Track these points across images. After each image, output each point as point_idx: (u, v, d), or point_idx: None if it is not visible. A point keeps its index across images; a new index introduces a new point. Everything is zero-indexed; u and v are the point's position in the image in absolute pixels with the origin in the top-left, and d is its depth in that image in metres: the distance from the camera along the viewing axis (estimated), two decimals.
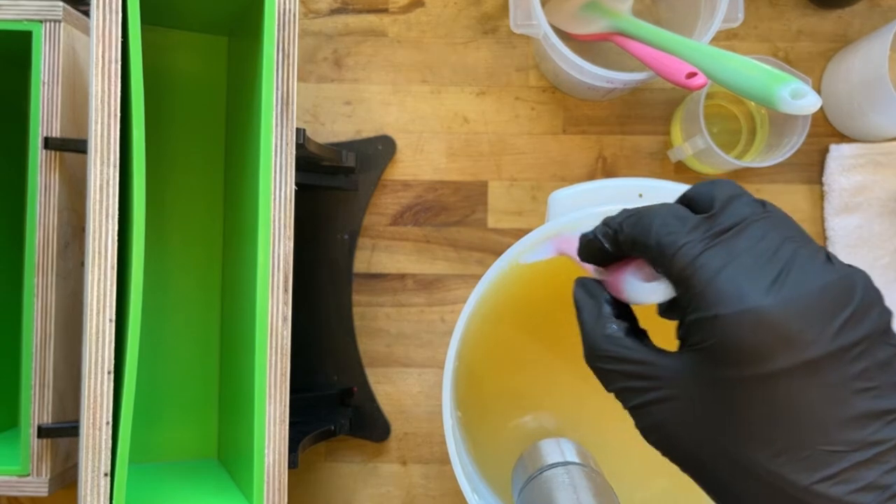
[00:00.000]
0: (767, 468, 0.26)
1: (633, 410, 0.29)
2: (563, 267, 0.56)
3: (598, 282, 0.33)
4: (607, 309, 0.31)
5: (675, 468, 0.30)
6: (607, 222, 0.31)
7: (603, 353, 0.30)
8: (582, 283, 0.33)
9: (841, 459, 0.25)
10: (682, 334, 0.28)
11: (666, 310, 0.31)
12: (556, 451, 0.48)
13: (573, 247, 0.36)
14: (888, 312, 0.27)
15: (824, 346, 0.25)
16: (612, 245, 0.31)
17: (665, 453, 0.29)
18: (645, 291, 0.30)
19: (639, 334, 0.31)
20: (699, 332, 0.27)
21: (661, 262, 0.28)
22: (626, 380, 0.29)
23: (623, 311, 0.32)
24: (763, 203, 0.29)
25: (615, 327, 0.30)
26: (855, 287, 0.26)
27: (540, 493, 0.44)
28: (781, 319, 0.25)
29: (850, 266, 0.27)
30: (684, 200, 0.31)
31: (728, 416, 0.26)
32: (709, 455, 0.27)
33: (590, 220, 0.53)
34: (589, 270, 0.34)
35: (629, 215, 0.30)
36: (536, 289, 0.55)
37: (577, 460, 0.46)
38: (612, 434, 0.52)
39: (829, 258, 0.27)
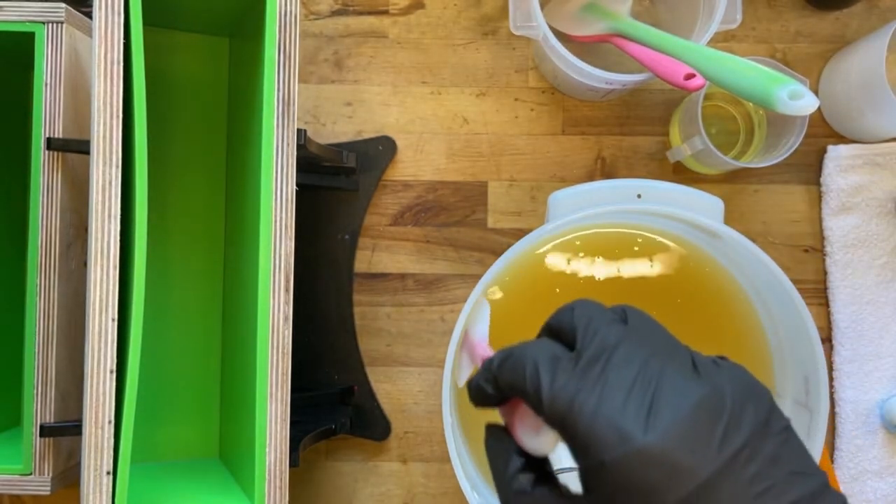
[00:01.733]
0: None
1: None
2: (563, 266, 0.56)
3: (504, 428, 0.32)
4: (515, 461, 0.31)
5: None
6: (488, 367, 0.31)
7: None
8: (491, 431, 0.33)
9: None
10: (581, 480, 0.28)
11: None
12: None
13: (478, 354, 0.36)
14: (764, 399, 0.27)
15: (712, 464, 0.25)
16: (495, 390, 0.31)
17: None
18: (536, 443, 0.31)
19: (549, 480, 0.31)
20: (593, 479, 0.27)
21: (539, 410, 0.28)
22: None
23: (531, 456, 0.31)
24: (624, 315, 0.29)
25: (523, 482, 0.30)
26: (724, 394, 0.26)
27: None
28: (665, 452, 0.25)
29: (715, 365, 0.27)
30: (552, 331, 0.31)
31: None
32: None
33: (587, 221, 0.54)
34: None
35: (504, 357, 0.30)
36: (538, 288, 0.56)
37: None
38: None
39: (695, 366, 0.27)
